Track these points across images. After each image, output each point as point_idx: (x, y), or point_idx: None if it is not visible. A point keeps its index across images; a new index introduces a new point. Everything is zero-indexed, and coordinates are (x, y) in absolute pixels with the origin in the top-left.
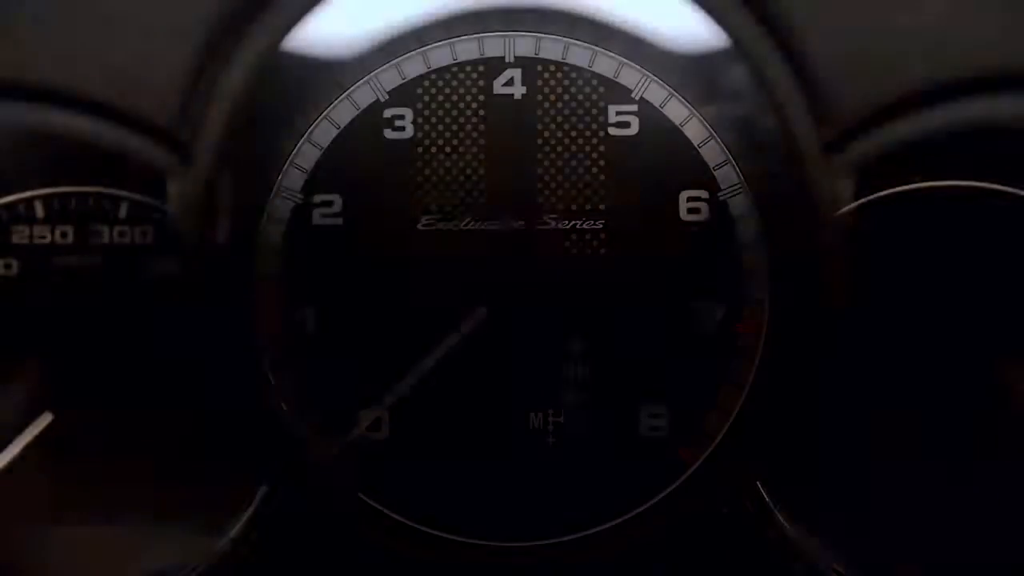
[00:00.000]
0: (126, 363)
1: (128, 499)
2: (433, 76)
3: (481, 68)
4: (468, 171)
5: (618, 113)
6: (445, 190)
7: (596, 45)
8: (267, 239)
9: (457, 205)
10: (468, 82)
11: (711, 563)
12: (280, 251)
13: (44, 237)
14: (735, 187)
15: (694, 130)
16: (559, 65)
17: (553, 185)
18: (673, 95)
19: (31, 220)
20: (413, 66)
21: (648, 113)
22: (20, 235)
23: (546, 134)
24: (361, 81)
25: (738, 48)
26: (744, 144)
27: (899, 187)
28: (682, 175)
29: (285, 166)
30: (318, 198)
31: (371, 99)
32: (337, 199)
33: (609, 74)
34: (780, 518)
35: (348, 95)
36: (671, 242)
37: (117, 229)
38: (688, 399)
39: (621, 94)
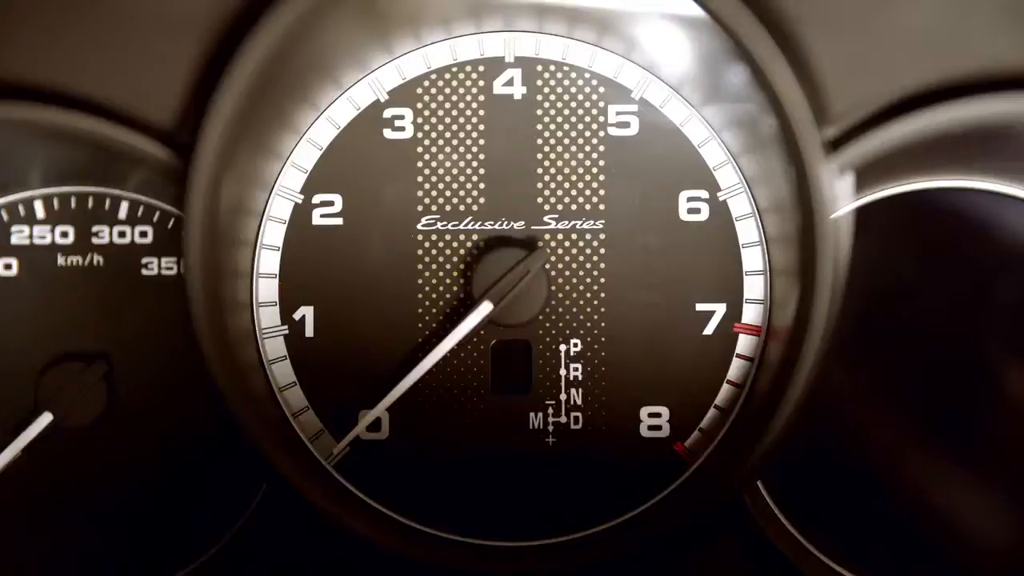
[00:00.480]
0: (125, 363)
1: (130, 498)
2: (433, 76)
3: (481, 68)
4: (468, 171)
5: (618, 113)
6: (445, 190)
7: (596, 45)
8: (267, 239)
9: (457, 205)
10: (468, 82)
11: (711, 563)
12: (280, 251)
13: (44, 237)
14: (735, 187)
15: (694, 130)
16: (559, 65)
17: (553, 185)
18: (673, 95)
19: (31, 220)
20: (413, 66)
21: (648, 113)
22: (20, 235)
23: (546, 134)
24: (361, 81)
25: (738, 48)
26: (744, 144)
27: (899, 187)
28: (682, 175)
29: (285, 166)
30: (318, 198)
31: (371, 99)
32: (337, 199)
33: (609, 74)
34: (780, 518)
35: (348, 95)
36: (671, 242)
37: (117, 229)
38: (688, 399)
39: (621, 94)
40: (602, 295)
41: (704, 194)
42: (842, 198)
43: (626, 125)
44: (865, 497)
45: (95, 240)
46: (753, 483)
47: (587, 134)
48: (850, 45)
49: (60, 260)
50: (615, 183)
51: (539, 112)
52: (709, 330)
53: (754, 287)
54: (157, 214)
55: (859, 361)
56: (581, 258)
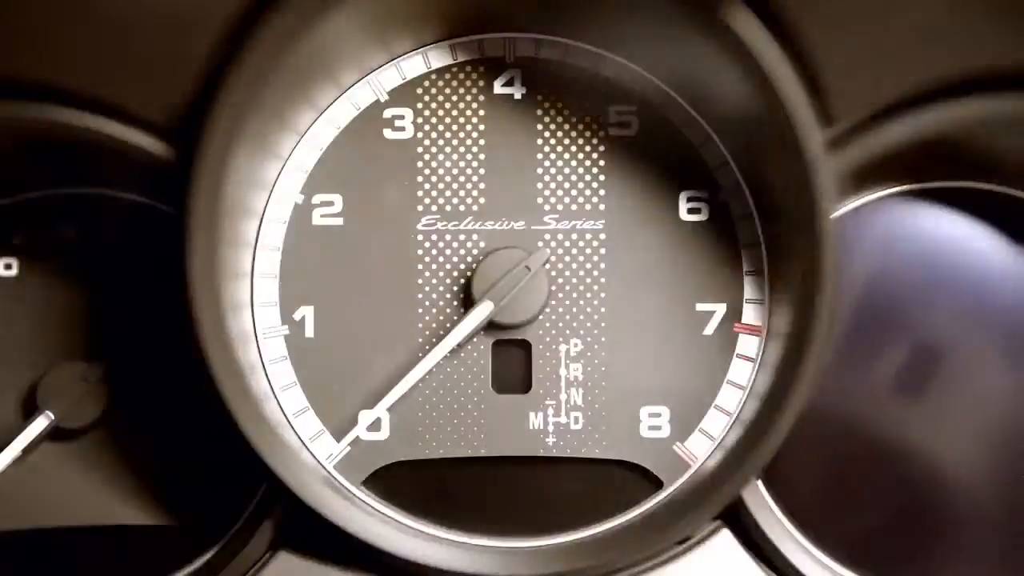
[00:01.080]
0: (125, 363)
1: (129, 498)
2: (433, 76)
3: (481, 68)
4: (468, 171)
5: (618, 113)
6: (445, 190)
7: (596, 46)
8: (267, 239)
9: (457, 205)
10: (468, 82)
11: (711, 563)
12: (280, 251)
13: (44, 237)
14: (735, 187)
15: (694, 130)
16: (559, 65)
17: (553, 185)
18: (673, 95)
19: (31, 220)
20: (413, 66)
21: (648, 113)
22: (20, 235)
23: (546, 134)
24: (361, 81)
25: (738, 48)
26: (744, 144)
27: (899, 187)
28: (682, 175)
29: (285, 166)
30: (318, 198)
31: (371, 99)
32: (337, 199)
33: (609, 74)
34: (780, 518)
35: (348, 95)
36: (671, 242)
37: (117, 229)
38: (688, 399)
39: (621, 94)
40: (602, 295)
41: (704, 194)
42: (842, 198)
43: (626, 125)
44: (865, 497)
45: (95, 240)
46: (752, 483)
47: (587, 134)
48: (850, 45)
49: (60, 260)
50: (615, 183)
51: (539, 112)
52: (709, 330)
53: (754, 287)
54: (157, 214)
55: (859, 361)
56: (581, 258)
